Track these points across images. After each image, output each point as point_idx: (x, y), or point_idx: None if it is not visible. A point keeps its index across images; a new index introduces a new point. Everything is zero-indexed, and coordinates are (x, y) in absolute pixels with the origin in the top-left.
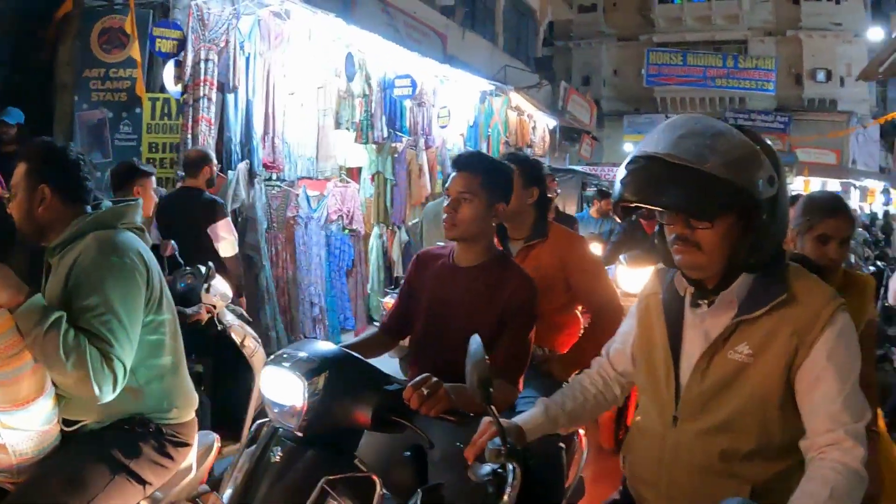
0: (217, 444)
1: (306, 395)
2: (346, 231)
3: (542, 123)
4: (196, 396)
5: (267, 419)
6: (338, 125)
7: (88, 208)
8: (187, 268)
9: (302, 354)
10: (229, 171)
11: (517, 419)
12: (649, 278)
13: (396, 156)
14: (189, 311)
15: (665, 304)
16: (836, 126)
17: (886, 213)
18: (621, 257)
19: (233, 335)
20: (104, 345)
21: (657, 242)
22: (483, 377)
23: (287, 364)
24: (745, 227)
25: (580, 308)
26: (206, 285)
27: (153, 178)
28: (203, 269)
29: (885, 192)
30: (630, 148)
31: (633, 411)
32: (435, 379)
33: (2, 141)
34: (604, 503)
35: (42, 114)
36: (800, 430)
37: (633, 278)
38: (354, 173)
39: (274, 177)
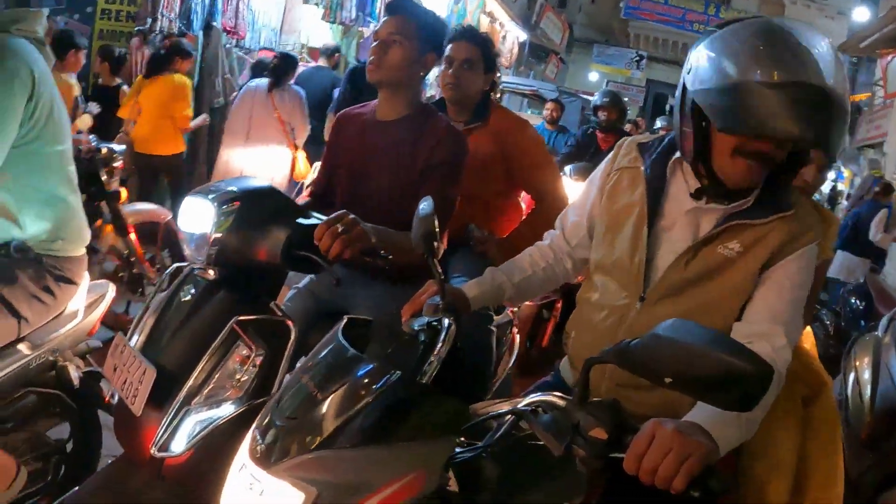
0: (111, 295)
1: (214, 222)
2: None
3: (512, 35)
4: (88, 236)
5: (184, 263)
6: (306, 0)
7: None
8: None
9: (223, 185)
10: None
11: (461, 286)
12: (625, 150)
13: (362, 41)
14: None
15: (647, 180)
16: None
17: (833, 188)
18: (567, 168)
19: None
20: None
21: (680, 128)
22: (429, 231)
23: (205, 194)
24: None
25: (522, 196)
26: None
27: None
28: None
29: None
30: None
31: (549, 332)
32: (352, 216)
33: None
34: (536, 384)
35: None
36: None
37: (577, 191)
38: (316, 53)
39: (233, 43)
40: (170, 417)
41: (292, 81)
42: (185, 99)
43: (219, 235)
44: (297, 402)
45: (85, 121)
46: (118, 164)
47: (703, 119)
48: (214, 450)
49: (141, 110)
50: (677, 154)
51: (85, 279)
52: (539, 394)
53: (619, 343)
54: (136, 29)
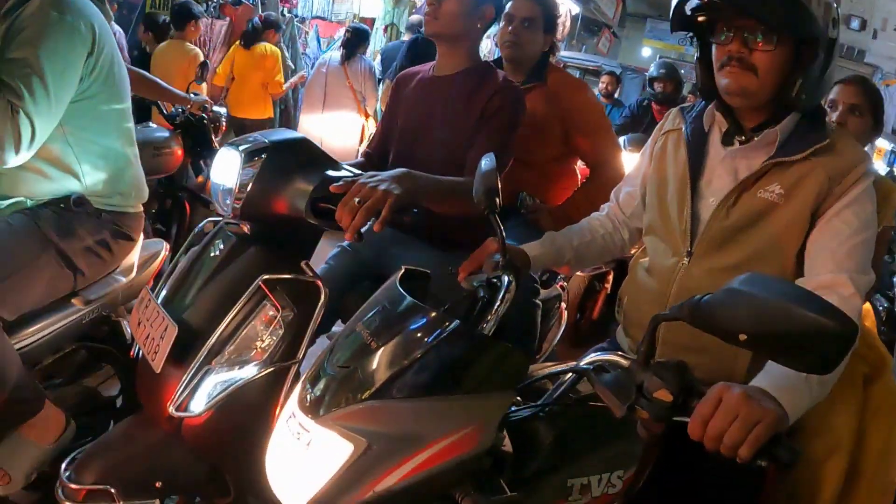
0: (165, 253)
1: (240, 171)
2: None
3: (564, 8)
4: (146, 192)
5: (215, 218)
6: None
7: None
8: None
9: (258, 137)
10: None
11: (523, 246)
12: (669, 116)
13: (415, 10)
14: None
15: (687, 139)
16: None
17: (890, 173)
18: (623, 139)
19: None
20: (14, 97)
21: (697, 70)
22: (491, 186)
23: (235, 145)
24: (803, 61)
25: (579, 163)
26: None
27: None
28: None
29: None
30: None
31: (599, 304)
32: (371, 182)
33: None
34: (592, 350)
35: None
36: None
37: (633, 162)
38: (368, 23)
39: (285, 11)
40: (189, 376)
41: (364, 53)
42: (277, 67)
43: (241, 180)
44: (350, 351)
45: (203, 87)
46: (222, 125)
47: (703, 46)
48: (235, 412)
49: (234, 77)
50: (710, 106)
51: (142, 236)
52: (601, 353)
53: (690, 298)
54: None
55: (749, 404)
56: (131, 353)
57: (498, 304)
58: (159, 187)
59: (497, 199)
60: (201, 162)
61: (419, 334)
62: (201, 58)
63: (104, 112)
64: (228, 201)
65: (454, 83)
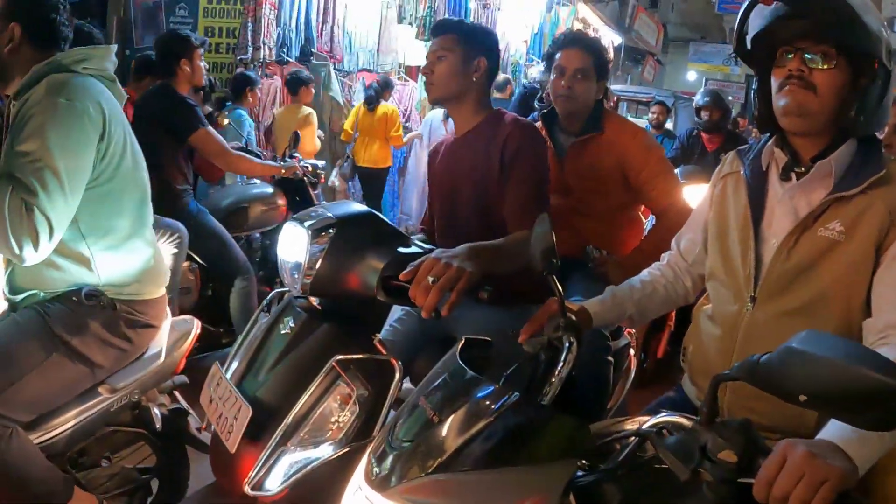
0: (196, 332)
1: (308, 249)
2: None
3: (606, 40)
4: (166, 276)
5: (281, 289)
6: (400, 19)
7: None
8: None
9: (322, 211)
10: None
11: (582, 302)
12: (727, 160)
13: None
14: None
15: (747, 181)
16: None
17: None
18: (677, 171)
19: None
20: (28, 194)
21: (755, 101)
22: (548, 247)
23: (301, 220)
24: (862, 85)
25: (643, 209)
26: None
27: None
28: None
29: None
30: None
31: (664, 343)
32: (443, 261)
33: None
34: (658, 400)
35: None
36: None
37: (689, 194)
38: (413, 72)
39: (331, 66)
40: (265, 456)
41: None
42: (398, 123)
43: (310, 258)
44: (414, 425)
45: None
46: (321, 177)
47: (762, 73)
48: (310, 490)
49: (359, 132)
50: (768, 143)
51: (167, 319)
52: (664, 413)
53: (748, 358)
54: (237, 59)
55: (814, 463)
56: (203, 427)
57: (560, 366)
58: (265, 239)
59: (554, 260)
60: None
61: (480, 407)
62: (314, 118)
63: (117, 198)
64: (297, 277)
65: (471, 140)
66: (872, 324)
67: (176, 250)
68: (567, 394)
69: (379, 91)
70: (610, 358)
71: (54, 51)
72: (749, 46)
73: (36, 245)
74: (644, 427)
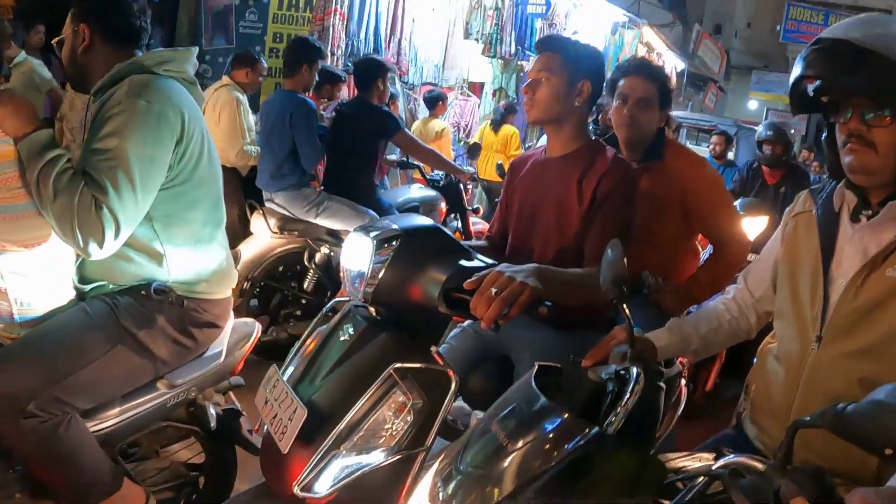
0: (257, 334)
1: (372, 259)
2: (462, 143)
3: (670, 65)
4: (234, 278)
5: (344, 298)
6: (466, 35)
7: (139, 53)
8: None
9: (388, 223)
10: None
11: (648, 334)
12: (800, 199)
13: (522, 74)
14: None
15: (818, 221)
16: None
17: None
18: (737, 204)
19: None
20: (99, 192)
21: (825, 149)
22: (619, 275)
23: (366, 230)
24: None
25: (700, 238)
26: None
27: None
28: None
29: None
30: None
31: (713, 376)
32: (507, 274)
33: None
34: (717, 437)
35: None
36: None
37: (748, 227)
38: (476, 88)
39: (396, 79)
40: (317, 458)
41: None
42: (518, 143)
43: (373, 267)
44: (485, 451)
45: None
46: (469, 189)
47: (829, 126)
48: (359, 496)
49: (480, 149)
50: (840, 184)
51: (230, 320)
52: (734, 455)
53: (832, 406)
54: None
55: None
56: (256, 428)
57: (627, 397)
58: None
59: (625, 288)
60: (454, 215)
61: (556, 439)
62: (449, 131)
63: (192, 199)
64: (359, 286)
65: (564, 165)
66: None
67: None
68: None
69: (504, 114)
70: (662, 385)
71: (131, 49)
72: (811, 94)
73: (101, 242)
74: (715, 467)
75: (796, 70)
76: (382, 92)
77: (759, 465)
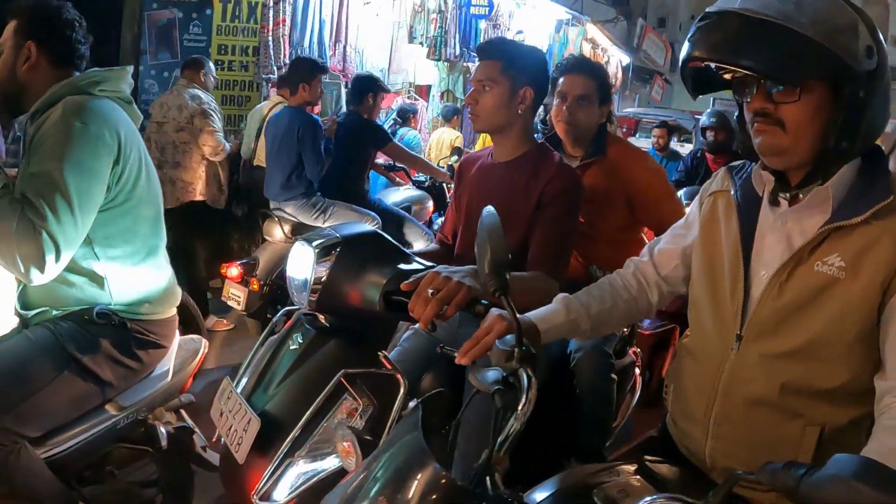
0: (204, 351)
1: (314, 266)
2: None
3: (615, 60)
4: (178, 297)
5: (293, 307)
6: (411, 39)
7: (76, 74)
8: None
9: (330, 232)
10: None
11: (531, 315)
12: (717, 177)
13: (468, 75)
14: None
15: (738, 204)
16: None
17: None
18: (681, 193)
19: None
20: (37, 216)
21: (736, 129)
22: (499, 259)
23: (309, 240)
24: (838, 105)
25: (645, 230)
26: None
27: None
28: None
29: None
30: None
31: (668, 362)
32: (443, 274)
33: None
34: (640, 441)
35: (111, 12)
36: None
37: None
38: (424, 91)
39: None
40: (273, 467)
41: None
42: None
43: (315, 275)
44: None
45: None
46: (452, 187)
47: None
48: (317, 502)
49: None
50: (757, 166)
51: (175, 338)
52: (656, 497)
53: (788, 467)
54: (263, 77)
55: None
56: (213, 440)
57: (520, 408)
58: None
59: (507, 275)
60: (439, 213)
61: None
62: (461, 140)
63: (132, 220)
64: (304, 294)
65: (511, 170)
66: (881, 385)
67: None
68: (572, 414)
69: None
70: (614, 376)
71: (71, 70)
72: (715, 71)
73: (42, 267)
74: None
75: (683, 52)
76: (373, 106)
77: None
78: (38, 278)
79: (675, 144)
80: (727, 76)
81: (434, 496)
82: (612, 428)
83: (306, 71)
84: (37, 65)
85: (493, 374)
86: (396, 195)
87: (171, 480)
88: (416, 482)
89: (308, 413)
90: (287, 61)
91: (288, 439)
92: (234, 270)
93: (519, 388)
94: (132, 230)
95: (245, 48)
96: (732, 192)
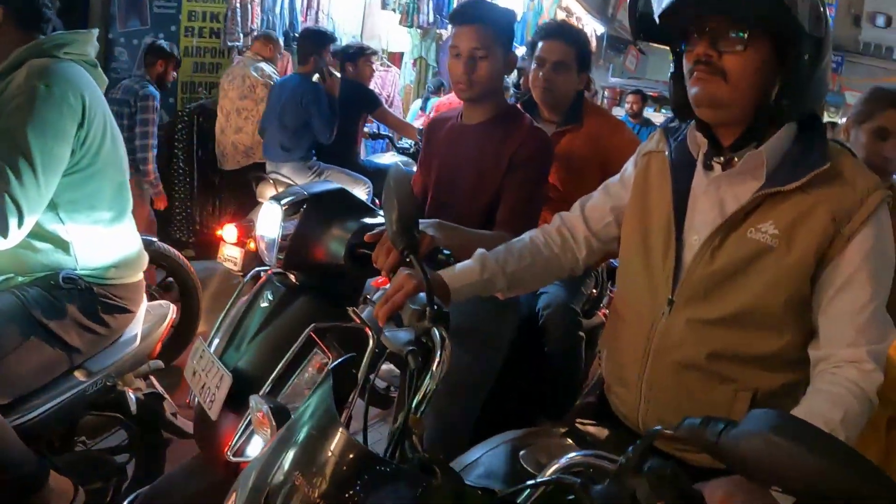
0: (172, 316)
1: (282, 224)
2: None
3: (589, 28)
4: (145, 261)
5: (262, 268)
6: (384, 5)
7: (41, 38)
8: None
9: (298, 190)
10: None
11: (443, 273)
12: (654, 135)
13: (441, 43)
14: None
15: (672, 166)
16: (890, 74)
17: None
18: None
19: None
20: (0, 180)
21: (670, 84)
22: (407, 217)
23: (277, 198)
24: (783, 65)
25: None
26: None
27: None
28: None
29: None
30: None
31: None
32: None
33: None
34: (577, 407)
35: None
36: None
37: None
38: (396, 58)
39: None
40: (245, 423)
41: None
42: None
43: (283, 232)
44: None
45: None
46: None
47: (676, 59)
48: None
49: None
50: (691, 127)
51: (143, 303)
52: (580, 452)
53: (706, 423)
54: (228, 45)
55: None
56: (188, 401)
57: (434, 369)
58: None
59: (417, 236)
60: None
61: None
62: None
63: (97, 185)
64: (273, 252)
65: (482, 132)
66: (815, 354)
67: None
68: (540, 373)
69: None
70: (581, 334)
71: (37, 33)
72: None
73: (5, 232)
74: (562, 469)
75: None
76: (360, 71)
77: (611, 466)
78: (1, 244)
79: (656, 114)
80: (673, 24)
81: (345, 466)
82: (581, 386)
83: (315, 43)
84: (2, 28)
85: (404, 335)
86: (381, 160)
87: (142, 447)
88: (329, 453)
89: (278, 368)
90: (255, 27)
91: (259, 394)
92: (230, 232)
93: (433, 348)
94: (97, 195)
95: (216, 14)
96: (667, 154)
